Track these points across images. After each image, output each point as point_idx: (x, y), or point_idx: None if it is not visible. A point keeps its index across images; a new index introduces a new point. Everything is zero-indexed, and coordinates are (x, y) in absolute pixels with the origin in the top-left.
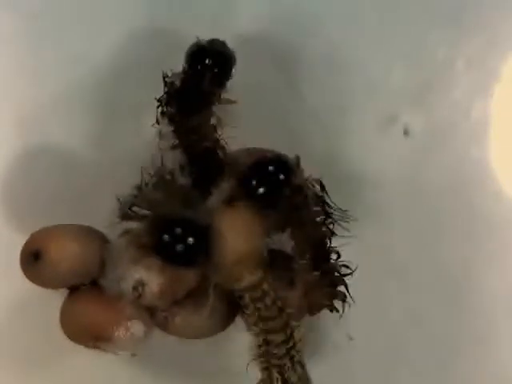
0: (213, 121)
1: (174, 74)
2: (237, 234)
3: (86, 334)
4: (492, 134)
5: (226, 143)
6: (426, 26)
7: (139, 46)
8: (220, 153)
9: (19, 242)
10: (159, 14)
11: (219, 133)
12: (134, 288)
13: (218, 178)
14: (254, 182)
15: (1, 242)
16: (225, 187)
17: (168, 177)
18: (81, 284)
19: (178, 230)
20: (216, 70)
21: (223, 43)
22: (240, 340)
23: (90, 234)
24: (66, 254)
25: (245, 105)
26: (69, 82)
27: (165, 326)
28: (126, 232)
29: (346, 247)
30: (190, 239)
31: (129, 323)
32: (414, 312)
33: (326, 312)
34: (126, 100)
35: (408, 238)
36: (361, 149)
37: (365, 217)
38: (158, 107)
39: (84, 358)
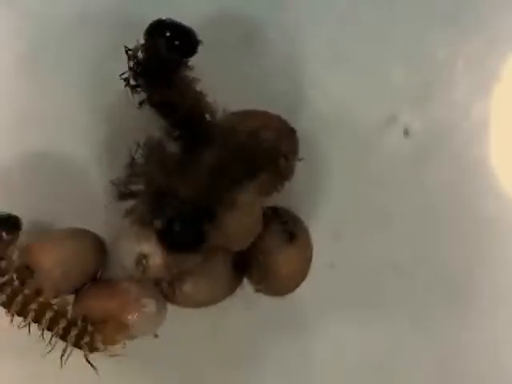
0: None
1: (135, 48)
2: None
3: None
4: (492, 134)
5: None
6: (425, 25)
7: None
8: (207, 115)
9: None
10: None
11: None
12: (137, 262)
13: (209, 141)
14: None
15: None
16: (216, 154)
17: (157, 147)
18: (82, 285)
19: (183, 228)
20: (177, 42)
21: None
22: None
23: (78, 235)
24: (57, 261)
25: (244, 102)
26: (68, 82)
27: (173, 298)
28: (129, 212)
29: (346, 246)
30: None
31: (139, 304)
32: (414, 312)
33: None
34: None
35: (408, 237)
36: (361, 149)
37: (364, 216)
38: (126, 85)
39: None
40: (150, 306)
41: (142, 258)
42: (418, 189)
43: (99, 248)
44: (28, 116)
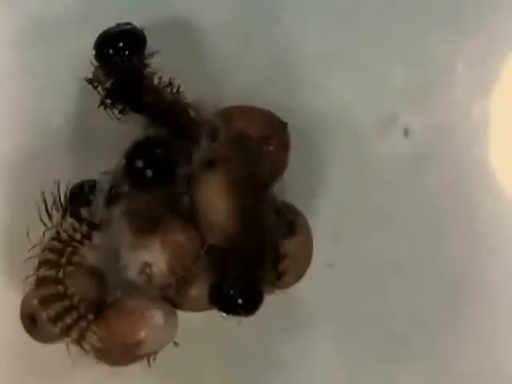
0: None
1: (95, 73)
2: (217, 195)
3: (118, 351)
4: (492, 134)
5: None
6: (426, 26)
7: None
8: (192, 112)
9: (19, 245)
10: None
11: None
12: (142, 272)
13: (194, 137)
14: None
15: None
16: (204, 148)
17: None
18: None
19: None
20: (128, 49)
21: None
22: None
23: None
24: None
25: (243, 103)
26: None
27: (182, 304)
28: (122, 216)
29: (345, 246)
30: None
31: (148, 318)
32: (414, 312)
33: None
34: None
35: (408, 237)
36: (361, 149)
37: (364, 216)
38: (105, 109)
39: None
40: (158, 317)
41: (145, 266)
42: (418, 189)
43: (96, 278)
44: (27, 116)
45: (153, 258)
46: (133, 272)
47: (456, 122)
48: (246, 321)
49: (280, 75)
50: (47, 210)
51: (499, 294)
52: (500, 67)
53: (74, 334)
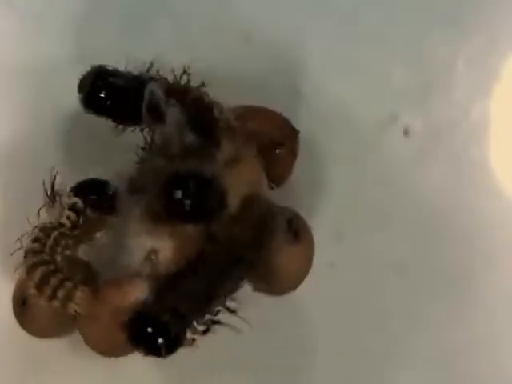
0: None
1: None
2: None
3: (106, 317)
4: (492, 134)
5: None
6: (426, 26)
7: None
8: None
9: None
10: None
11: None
12: (147, 258)
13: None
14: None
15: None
16: (226, 147)
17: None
18: None
19: (188, 184)
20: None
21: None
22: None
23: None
24: None
25: (242, 103)
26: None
27: None
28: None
29: (346, 246)
30: (202, 191)
31: (136, 283)
32: (414, 312)
33: None
34: None
35: (408, 237)
36: (361, 149)
37: (364, 216)
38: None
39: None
40: (145, 285)
41: (151, 253)
42: (418, 189)
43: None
44: (27, 115)
45: (160, 245)
46: (138, 258)
47: (456, 122)
48: (246, 321)
49: (280, 75)
50: (47, 194)
51: (499, 293)
52: (500, 67)
53: (61, 293)
